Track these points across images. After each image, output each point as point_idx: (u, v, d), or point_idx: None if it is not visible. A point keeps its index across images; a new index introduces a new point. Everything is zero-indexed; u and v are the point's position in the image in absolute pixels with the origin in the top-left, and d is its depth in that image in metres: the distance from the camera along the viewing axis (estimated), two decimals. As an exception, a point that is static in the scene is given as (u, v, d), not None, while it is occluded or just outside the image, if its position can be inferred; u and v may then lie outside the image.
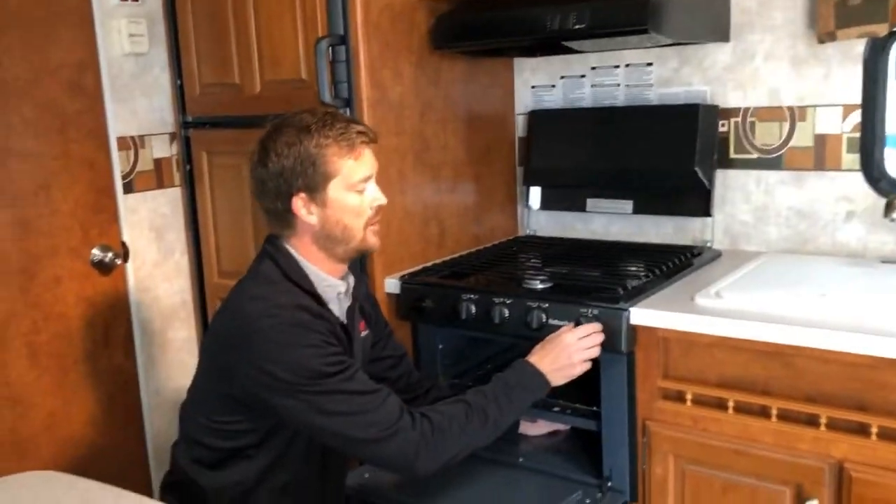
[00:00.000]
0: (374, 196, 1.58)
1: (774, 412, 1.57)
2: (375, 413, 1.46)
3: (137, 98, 2.32)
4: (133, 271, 2.31)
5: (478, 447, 1.56)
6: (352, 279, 1.67)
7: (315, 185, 1.51)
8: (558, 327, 1.74)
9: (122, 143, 2.28)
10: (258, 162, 1.54)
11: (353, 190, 1.54)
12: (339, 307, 1.62)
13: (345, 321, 1.63)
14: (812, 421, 1.54)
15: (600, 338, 1.67)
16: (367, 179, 1.56)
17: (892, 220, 1.79)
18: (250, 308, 1.49)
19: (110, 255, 2.21)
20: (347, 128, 1.52)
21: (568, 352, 1.64)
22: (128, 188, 2.30)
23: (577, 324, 1.70)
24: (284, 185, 1.52)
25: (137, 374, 2.33)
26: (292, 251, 1.57)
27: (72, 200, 2.13)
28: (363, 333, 1.72)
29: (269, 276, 1.54)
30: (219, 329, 1.57)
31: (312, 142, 1.50)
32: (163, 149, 2.40)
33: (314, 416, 1.45)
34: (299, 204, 1.52)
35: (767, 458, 1.57)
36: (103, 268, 2.21)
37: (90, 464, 2.17)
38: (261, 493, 1.58)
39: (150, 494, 1.31)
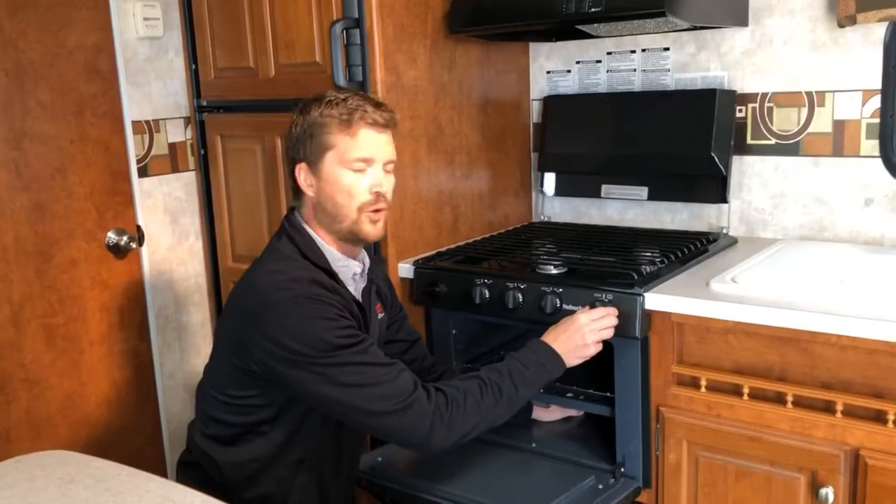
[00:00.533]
0: (374, 182, 1.54)
1: (790, 399, 1.56)
2: (389, 385, 1.46)
3: (152, 82, 2.32)
4: (148, 255, 2.33)
5: (493, 424, 1.55)
6: (368, 261, 1.67)
7: (314, 155, 1.53)
8: (572, 312, 1.73)
9: (137, 126, 2.28)
10: (287, 133, 1.59)
11: (348, 167, 1.52)
12: (354, 287, 1.62)
13: (360, 300, 1.63)
14: (828, 408, 1.53)
15: (614, 320, 1.66)
16: (365, 161, 1.53)
17: (912, 206, 1.77)
18: (265, 281, 1.50)
19: (125, 238, 2.22)
20: (355, 106, 1.52)
21: (582, 332, 1.63)
22: (143, 172, 2.30)
23: (592, 306, 1.69)
24: (293, 152, 1.56)
25: (152, 357, 2.35)
26: (308, 229, 1.58)
27: (87, 184, 2.14)
28: (380, 315, 1.72)
29: (286, 253, 1.55)
30: (234, 303, 1.58)
31: (319, 111, 1.52)
32: (177, 133, 2.40)
33: (328, 388, 1.45)
34: (301, 174, 1.55)
35: (782, 444, 1.56)
36: (118, 251, 2.22)
37: (106, 445, 2.19)
38: (276, 468, 1.59)
39: (164, 476, 1.32)
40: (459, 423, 1.48)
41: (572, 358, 1.63)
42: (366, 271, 1.66)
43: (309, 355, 1.44)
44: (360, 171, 1.53)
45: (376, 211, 1.56)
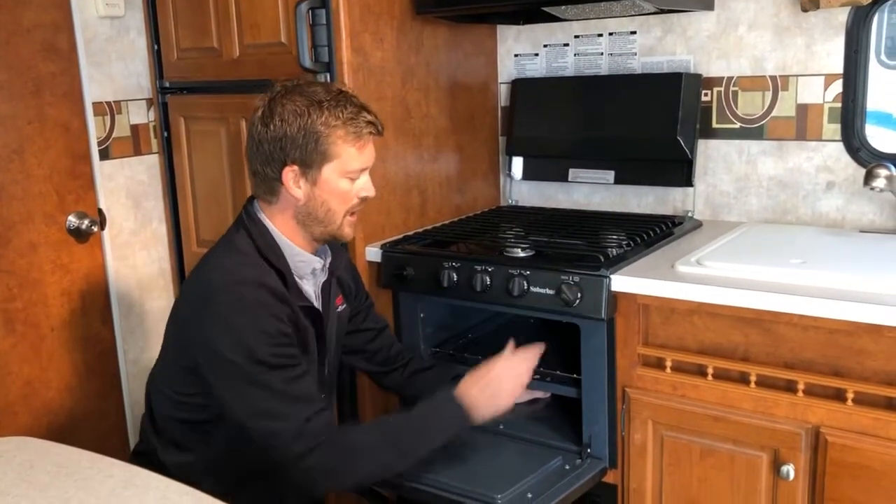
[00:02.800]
0: (364, 187, 1.55)
1: (753, 378, 1.58)
2: (296, 425, 1.42)
3: (113, 62, 2.27)
4: (110, 239, 2.28)
5: (391, 474, 1.55)
6: (329, 256, 1.65)
7: (310, 161, 1.49)
8: (540, 295, 1.74)
9: (98, 108, 2.23)
10: (260, 121, 1.51)
11: (347, 177, 1.52)
12: (313, 282, 1.61)
13: (318, 298, 1.61)
14: (790, 387, 1.55)
15: (533, 362, 1.66)
16: (363, 170, 1.54)
17: (873, 188, 1.80)
18: (214, 279, 1.48)
19: (87, 222, 2.17)
20: (358, 114, 1.49)
21: (499, 381, 1.60)
22: (104, 154, 2.26)
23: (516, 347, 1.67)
24: (279, 153, 1.49)
25: (116, 343, 2.31)
26: (268, 222, 1.55)
27: (47, 166, 2.09)
28: (340, 308, 1.71)
29: (241, 248, 1.52)
30: (183, 297, 1.56)
31: (321, 118, 1.47)
32: (140, 114, 2.36)
33: (240, 402, 1.44)
34: (289, 175, 1.50)
35: (745, 423, 1.59)
36: (80, 235, 2.18)
37: (68, 432, 2.16)
38: (221, 475, 1.54)
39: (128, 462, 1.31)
40: (346, 477, 1.47)
41: (487, 410, 1.57)
42: (326, 266, 1.63)
43: (236, 364, 1.42)
44: (355, 178, 1.54)
45: (354, 214, 1.57)
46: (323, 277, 1.64)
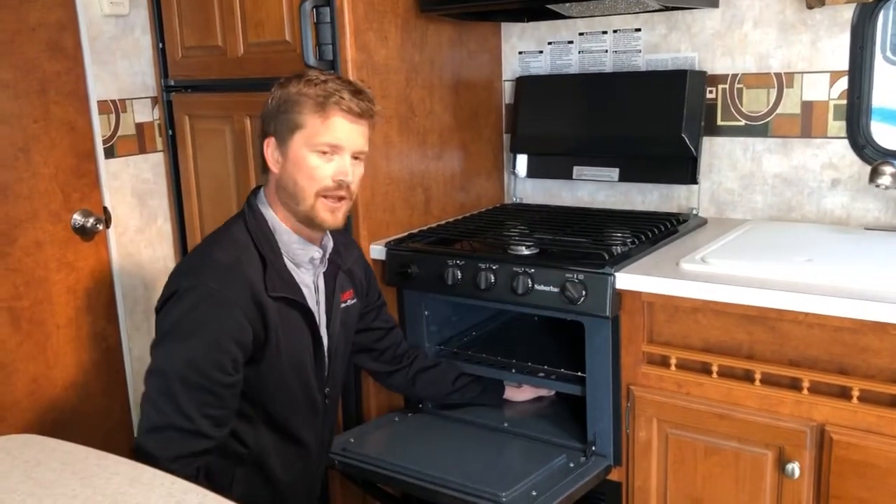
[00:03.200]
0: (340, 169, 1.51)
1: (758, 376, 1.58)
2: (160, 411, 1.43)
3: (118, 61, 2.28)
4: (115, 237, 2.29)
5: None
6: (331, 245, 1.64)
7: (283, 131, 1.51)
8: (544, 293, 1.74)
9: (104, 106, 2.24)
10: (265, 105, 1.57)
11: (314, 150, 1.50)
12: (312, 272, 1.61)
13: (317, 289, 1.62)
14: (795, 385, 1.55)
15: None
16: (333, 147, 1.50)
17: (878, 186, 1.80)
18: (192, 257, 1.52)
19: (92, 220, 2.18)
20: (333, 90, 1.49)
21: None
22: (109, 153, 2.26)
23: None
24: (264, 125, 1.55)
25: (121, 341, 2.32)
26: (267, 211, 1.56)
27: (52, 164, 2.10)
28: (349, 302, 1.70)
29: (236, 238, 1.53)
30: (168, 280, 1.56)
31: (296, 88, 1.50)
32: (145, 113, 2.36)
33: (150, 366, 1.47)
34: (269, 148, 1.54)
35: (750, 421, 1.59)
36: (85, 233, 2.18)
37: (74, 429, 2.17)
38: (214, 460, 1.53)
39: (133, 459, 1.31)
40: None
41: None
42: (326, 256, 1.63)
43: (167, 332, 1.44)
44: (327, 155, 1.50)
45: (337, 199, 1.53)
46: (323, 268, 1.63)
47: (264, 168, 1.57)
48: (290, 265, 1.56)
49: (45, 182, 2.09)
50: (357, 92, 1.51)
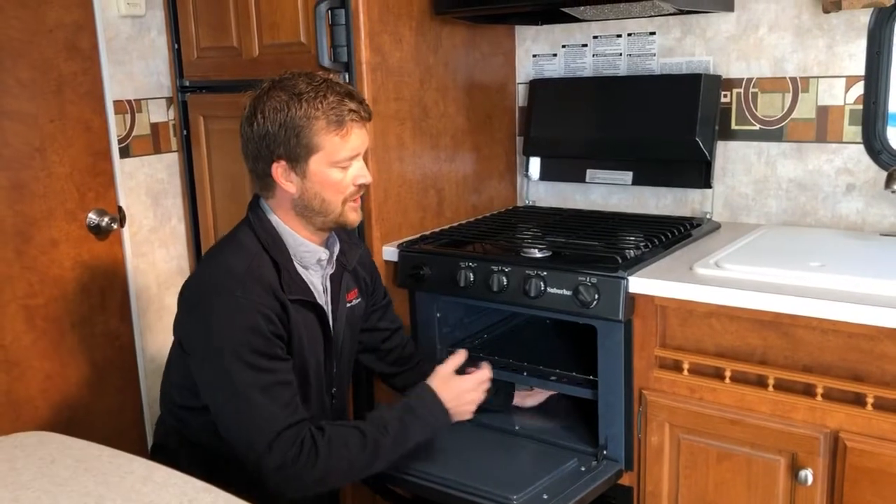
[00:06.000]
0: (358, 174, 1.54)
1: (771, 382, 1.57)
2: (261, 427, 1.43)
3: (134, 61, 2.29)
4: (129, 236, 2.30)
5: (363, 476, 1.55)
6: (337, 247, 1.66)
7: (297, 155, 1.49)
8: (557, 296, 1.73)
9: (119, 106, 2.25)
10: (245, 120, 1.53)
11: (337, 167, 1.51)
12: (320, 273, 1.62)
13: (326, 290, 1.63)
14: (808, 391, 1.54)
15: (487, 386, 1.68)
16: (353, 158, 1.52)
17: (893, 191, 1.79)
18: (207, 267, 1.51)
19: (107, 219, 2.19)
20: (340, 103, 1.48)
21: (471, 396, 1.63)
22: (124, 152, 2.28)
23: (470, 368, 1.71)
24: (265, 150, 1.50)
25: (134, 339, 2.33)
26: (272, 217, 1.56)
27: (68, 163, 2.11)
28: (353, 302, 1.71)
29: (246, 245, 1.53)
30: (182, 292, 1.57)
31: (300, 111, 1.46)
32: (160, 113, 2.37)
33: (212, 394, 1.47)
34: (279, 171, 1.51)
35: (763, 427, 1.58)
36: (100, 232, 2.20)
37: (87, 426, 2.18)
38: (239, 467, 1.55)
39: (146, 458, 1.32)
40: (314, 487, 1.47)
41: (455, 418, 1.62)
42: (334, 257, 1.64)
43: (212, 347, 1.44)
44: (347, 167, 1.53)
45: (356, 200, 1.57)
46: (331, 269, 1.64)
47: (264, 184, 1.55)
48: (299, 268, 1.57)
49: (61, 181, 2.10)
50: (354, 97, 1.52)
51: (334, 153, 1.49)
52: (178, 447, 1.61)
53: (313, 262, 1.60)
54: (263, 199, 1.58)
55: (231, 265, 1.49)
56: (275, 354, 1.47)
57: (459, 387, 1.62)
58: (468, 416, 1.65)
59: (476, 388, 1.65)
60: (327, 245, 1.62)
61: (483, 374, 1.68)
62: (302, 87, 1.48)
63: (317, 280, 1.61)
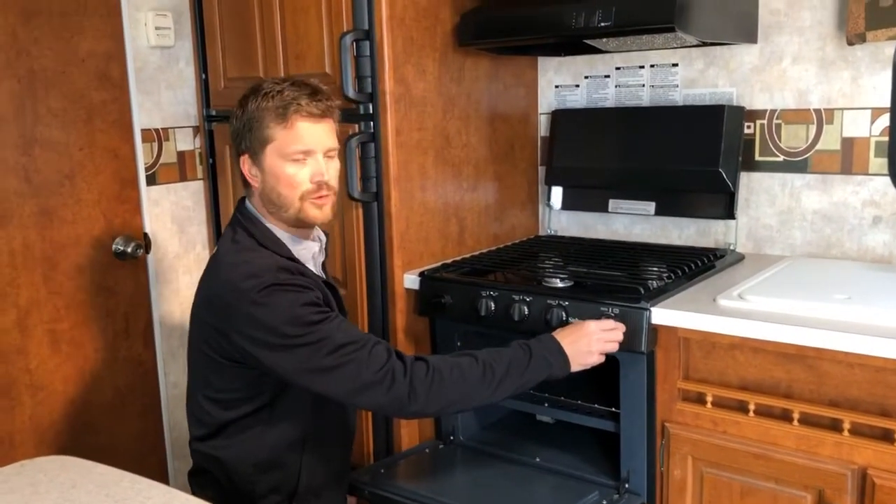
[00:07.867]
0: (315, 171, 1.55)
1: (796, 416, 1.55)
2: (364, 361, 1.47)
3: (162, 91, 2.33)
4: (154, 263, 2.33)
5: (479, 402, 1.56)
6: (324, 237, 1.71)
7: (254, 148, 1.55)
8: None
9: (147, 135, 2.29)
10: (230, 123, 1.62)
11: (288, 160, 1.54)
12: (315, 267, 1.66)
13: (325, 277, 1.67)
14: (835, 426, 1.51)
15: (621, 335, 1.65)
16: (305, 152, 1.54)
17: (921, 224, 1.76)
18: (233, 274, 1.51)
19: (133, 245, 2.22)
20: (292, 98, 1.52)
21: (590, 339, 1.62)
22: (151, 180, 2.31)
23: (603, 317, 1.68)
24: (235, 144, 1.60)
25: (157, 365, 2.35)
26: (261, 218, 1.60)
27: (96, 191, 2.15)
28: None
29: (246, 245, 1.56)
30: (203, 297, 1.58)
31: (255, 104, 1.54)
32: (186, 142, 2.41)
33: (305, 368, 1.47)
34: (245, 165, 1.58)
35: (788, 462, 1.55)
36: (125, 258, 2.22)
37: (109, 452, 2.18)
38: (280, 454, 1.60)
39: (166, 483, 1.32)
40: (437, 396, 1.50)
41: (576, 362, 1.62)
42: (324, 247, 1.70)
43: (286, 335, 1.46)
44: (301, 161, 1.54)
45: (319, 197, 1.57)
46: (321, 258, 1.70)
47: (245, 183, 1.62)
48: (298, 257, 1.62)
49: (89, 208, 2.14)
50: (313, 93, 1.55)
51: (283, 145, 1.53)
52: (216, 471, 1.63)
53: (309, 257, 1.64)
54: (248, 204, 1.62)
55: (252, 259, 1.52)
56: (329, 312, 1.52)
57: (579, 331, 1.63)
58: (592, 363, 1.63)
59: (599, 333, 1.63)
60: (314, 238, 1.67)
61: (605, 323, 1.65)
62: (267, 85, 1.56)
63: (315, 272, 1.66)
